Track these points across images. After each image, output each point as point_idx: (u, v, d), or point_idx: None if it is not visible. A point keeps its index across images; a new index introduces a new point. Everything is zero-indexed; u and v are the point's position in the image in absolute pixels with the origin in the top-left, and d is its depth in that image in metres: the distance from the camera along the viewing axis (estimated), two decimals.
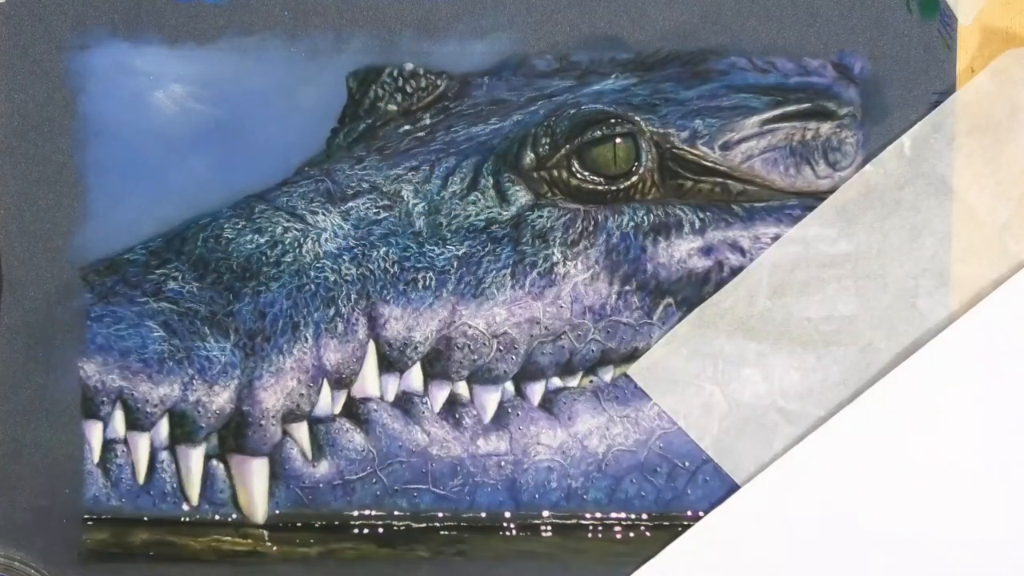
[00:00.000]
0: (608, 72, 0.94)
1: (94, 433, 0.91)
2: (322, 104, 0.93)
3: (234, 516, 0.93)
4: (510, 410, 0.94)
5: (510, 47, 0.93)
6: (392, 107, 0.95)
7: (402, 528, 0.94)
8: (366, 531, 0.94)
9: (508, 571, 0.95)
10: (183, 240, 0.92)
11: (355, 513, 0.94)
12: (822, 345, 0.94)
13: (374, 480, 0.93)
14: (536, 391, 0.94)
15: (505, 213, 0.93)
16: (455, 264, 0.92)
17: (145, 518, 0.93)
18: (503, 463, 0.94)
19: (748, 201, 0.94)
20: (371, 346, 0.91)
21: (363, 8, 0.92)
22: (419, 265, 0.92)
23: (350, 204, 0.93)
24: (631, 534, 0.95)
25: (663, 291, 0.93)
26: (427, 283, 0.92)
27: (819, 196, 0.94)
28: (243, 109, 0.92)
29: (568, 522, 0.95)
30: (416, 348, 0.92)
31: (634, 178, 0.93)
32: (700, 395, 0.94)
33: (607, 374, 0.95)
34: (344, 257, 0.91)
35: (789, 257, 0.94)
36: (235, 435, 0.91)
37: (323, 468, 0.93)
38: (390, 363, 0.92)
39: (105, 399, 0.90)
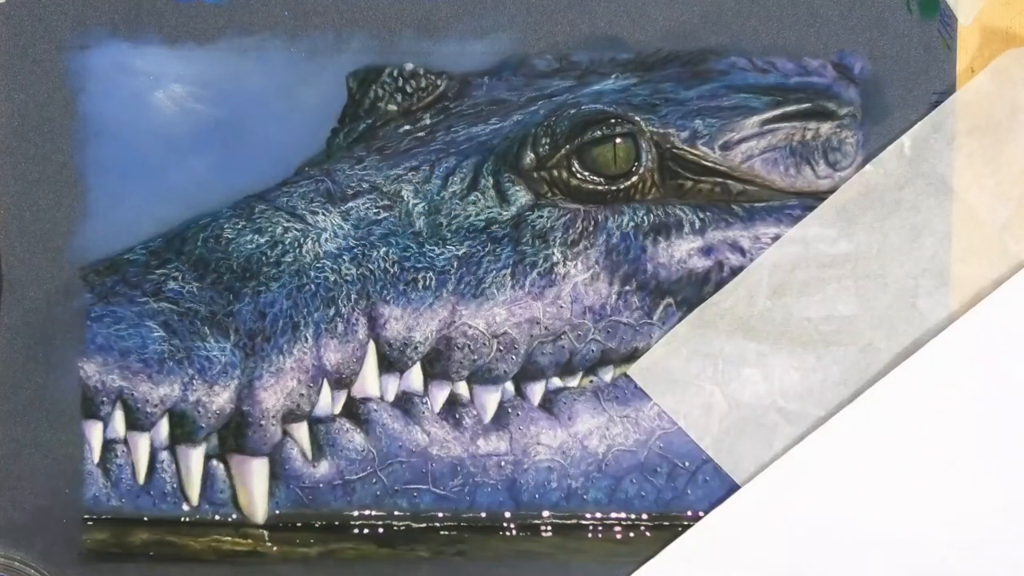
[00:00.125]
0: (608, 72, 0.94)
1: (94, 433, 0.91)
2: (322, 104, 0.93)
3: (234, 516, 0.93)
4: (510, 410, 0.94)
5: (510, 47, 0.93)
6: (392, 107, 0.95)
7: (402, 528, 0.94)
8: (366, 531, 0.94)
9: (508, 571, 0.95)
10: (183, 240, 0.92)
11: (355, 513, 0.94)
12: (822, 345, 0.94)
13: (374, 480, 0.93)
14: (536, 391, 0.94)
15: (505, 213, 0.93)
16: (455, 264, 0.92)
17: (145, 518, 0.93)
18: (503, 463, 0.94)
19: (748, 201, 0.94)
20: (371, 346, 0.91)
21: (363, 8, 0.92)
22: (419, 265, 0.92)
23: (350, 204, 0.93)
24: (631, 534, 0.95)
25: (663, 291, 0.93)
26: (427, 283, 0.92)
27: (819, 196, 0.94)
28: (243, 109, 0.92)
29: (568, 522, 0.95)
30: (416, 348, 0.92)
31: (634, 178, 0.93)
32: (700, 395, 0.94)
33: (607, 374, 0.95)
34: (344, 257, 0.91)
35: (789, 257, 0.94)
36: (235, 435, 0.91)
37: (323, 468, 0.93)
38: (390, 363, 0.92)
39: (105, 399, 0.90)
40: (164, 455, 0.91)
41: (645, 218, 0.93)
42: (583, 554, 0.95)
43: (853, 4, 0.93)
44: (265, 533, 0.94)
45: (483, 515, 0.95)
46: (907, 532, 0.93)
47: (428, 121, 0.96)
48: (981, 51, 0.93)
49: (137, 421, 0.90)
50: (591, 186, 0.93)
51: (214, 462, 0.92)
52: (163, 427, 0.90)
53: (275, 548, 0.94)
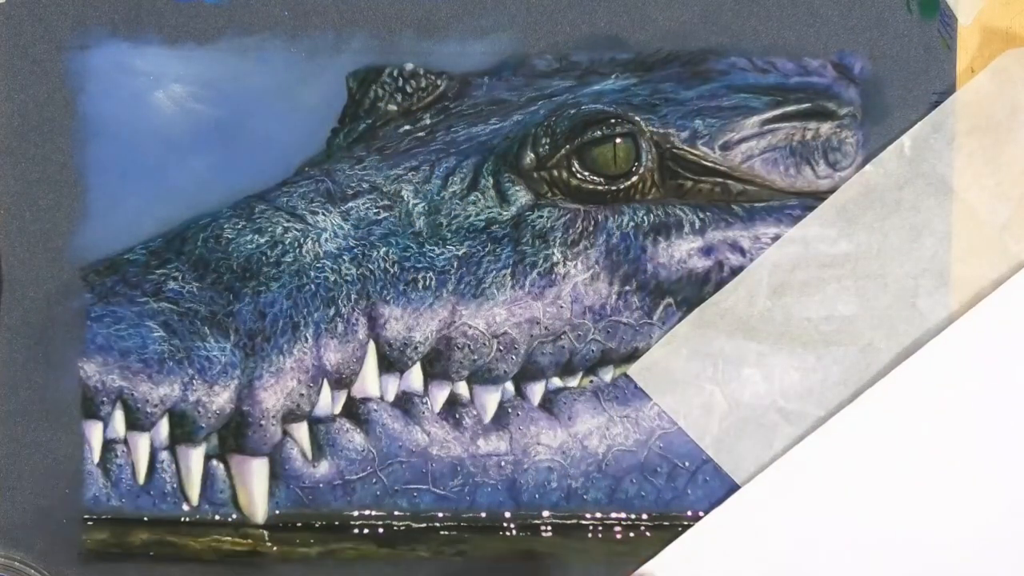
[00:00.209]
0: (608, 72, 0.94)
1: (94, 433, 0.91)
2: (322, 104, 0.93)
3: (234, 516, 0.93)
4: (510, 410, 0.94)
5: (510, 47, 0.93)
6: (392, 107, 0.95)
7: (402, 528, 0.94)
8: (366, 531, 0.94)
9: (508, 571, 0.95)
10: (183, 240, 0.92)
11: (355, 513, 0.94)
12: (822, 345, 0.94)
13: (374, 480, 0.93)
14: (536, 391, 0.94)
15: (505, 213, 0.93)
16: (455, 264, 0.92)
17: (145, 518, 0.93)
18: (503, 463, 0.94)
19: (748, 201, 0.94)
20: (371, 346, 0.91)
21: (363, 8, 0.92)
22: (419, 265, 0.92)
23: (350, 204, 0.93)
24: (631, 534, 0.95)
25: (663, 291, 0.93)
26: (427, 283, 0.92)
27: (819, 196, 0.94)
28: (243, 109, 0.92)
29: (568, 522, 0.95)
30: (416, 348, 0.92)
31: (634, 178, 0.93)
32: (700, 395, 0.94)
33: (607, 374, 0.95)
34: (344, 257, 0.91)
35: (789, 257, 0.94)
36: (235, 435, 0.91)
37: (323, 468, 0.93)
38: (390, 363, 0.92)
39: (105, 399, 0.89)
40: (164, 455, 0.91)
41: (645, 218, 0.93)
42: (583, 554, 0.95)
43: (853, 4, 0.93)
44: (265, 533, 0.94)
45: (483, 515, 0.95)
46: (907, 532, 0.93)
47: (428, 121, 0.96)
48: (981, 51, 0.93)
49: (137, 421, 0.90)
50: (591, 186, 0.93)
51: (214, 462, 0.92)
52: (163, 427, 0.90)
53: (275, 548, 0.94)
